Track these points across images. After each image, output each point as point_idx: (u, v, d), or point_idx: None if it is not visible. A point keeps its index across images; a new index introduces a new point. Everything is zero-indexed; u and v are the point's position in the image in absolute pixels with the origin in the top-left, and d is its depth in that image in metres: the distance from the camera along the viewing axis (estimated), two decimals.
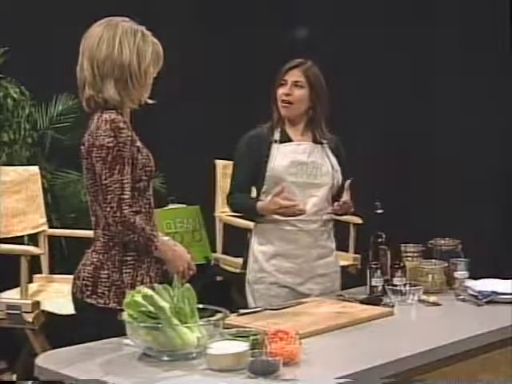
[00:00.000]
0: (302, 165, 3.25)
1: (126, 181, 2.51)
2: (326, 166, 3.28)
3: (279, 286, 3.27)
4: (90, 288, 2.57)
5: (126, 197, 2.51)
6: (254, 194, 3.38)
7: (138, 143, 2.59)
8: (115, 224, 2.51)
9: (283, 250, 3.26)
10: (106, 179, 2.50)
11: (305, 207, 3.14)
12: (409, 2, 5.16)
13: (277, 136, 3.29)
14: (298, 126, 3.32)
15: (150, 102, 2.71)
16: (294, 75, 3.27)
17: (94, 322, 2.54)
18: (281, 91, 3.28)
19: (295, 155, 3.25)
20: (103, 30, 2.58)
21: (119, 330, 2.35)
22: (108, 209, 2.50)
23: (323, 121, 3.32)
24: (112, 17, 2.63)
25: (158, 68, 2.67)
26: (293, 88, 3.26)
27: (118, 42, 2.57)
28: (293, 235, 3.25)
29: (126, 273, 2.57)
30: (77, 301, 2.61)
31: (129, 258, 2.58)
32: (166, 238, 2.77)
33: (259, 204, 3.23)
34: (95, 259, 2.59)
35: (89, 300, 2.56)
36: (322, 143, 3.32)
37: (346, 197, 3.22)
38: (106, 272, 2.57)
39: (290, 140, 3.30)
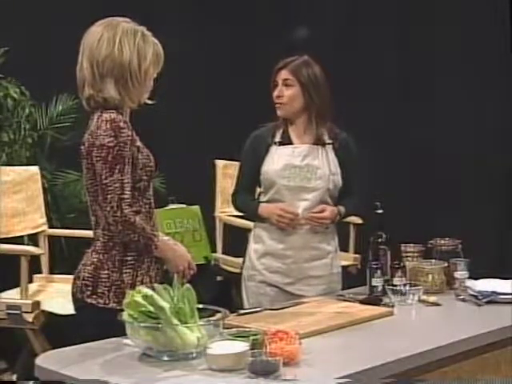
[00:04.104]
0: (295, 168, 3.24)
1: (126, 180, 2.51)
2: (322, 169, 3.26)
3: (268, 284, 3.27)
4: (90, 288, 2.57)
5: (126, 196, 2.50)
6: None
7: (139, 143, 2.59)
8: (115, 223, 2.51)
9: (273, 250, 3.26)
10: (106, 179, 2.50)
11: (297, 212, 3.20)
12: (409, 2, 5.17)
13: (277, 137, 3.29)
14: (298, 126, 3.31)
15: (150, 102, 2.71)
16: (283, 75, 3.26)
17: (93, 322, 2.54)
18: (274, 93, 3.29)
19: (289, 158, 3.24)
20: (103, 30, 2.58)
21: (119, 330, 2.35)
22: (108, 208, 2.50)
23: (324, 119, 3.29)
24: (113, 17, 2.64)
25: (158, 69, 2.66)
26: (283, 88, 3.26)
27: (118, 42, 2.57)
28: (283, 236, 3.25)
29: (125, 273, 2.57)
30: (77, 301, 2.60)
31: (129, 258, 2.58)
32: (166, 237, 2.77)
33: (262, 205, 3.25)
34: (95, 259, 2.59)
35: (89, 300, 2.56)
36: (323, 144, 3.31)
37: (324, 211, 3.23)
38: (106, 272, 2.56)
39: (289, 142, 3.29)
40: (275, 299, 3.17)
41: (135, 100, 2.63)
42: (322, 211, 3.21)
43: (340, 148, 3.32)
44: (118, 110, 2.57)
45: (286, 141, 3.29)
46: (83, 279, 2.58)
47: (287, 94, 3.25)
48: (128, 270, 2.57)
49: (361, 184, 3.38)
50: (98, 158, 2.51)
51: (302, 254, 3.27)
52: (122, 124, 2.53)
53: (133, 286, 2.53)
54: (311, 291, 3.26)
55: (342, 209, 3.29)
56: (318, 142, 3.29)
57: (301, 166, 3.24)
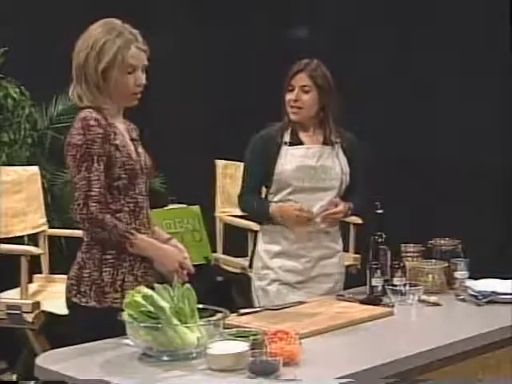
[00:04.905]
0: (310, 169, 3.24)
1: (94, 178, 2.49)
2: (335, 169, 3.27)
3: (281, 283, 3.28)
4: (75, 287, 2.58)
5: (93, 194, 2.49)
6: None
7: (118, 141, 2.56)
8: (82, 221, 2.51)
9: (287, 250, 3.27)
10: (74, 177, 2.51)
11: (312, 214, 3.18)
12: (409, 3, 5.16)
13: (287, 138, 3.28)
14: (308, 127, 3.30)
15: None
16: (301, 80, 3.23)
17: (80, 322, 2.56)
18: (288, 97, 3.26)
19: (304, 159, 3.25)
20: (84, 34, 2.59)
21: (103, 330, 2.39)
22: (75, 206, 2.50)
23: (333, 120, 3.29)
24: (111, 18, 2.63)
25: (122, 72, 2.56)
26: (300, 93, 3.23)
27: (82, 43, 2.57)
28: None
29: (105, 271, 2.56)
30: (66, 300, 2.62)
31: (108, 257, 2.57)
32: (167, 236, 2.76)
33: (274, 206, 3.23)
34: (80, 258, 2.60)
35: (74, 299, 2.57)
36: (333, 144, 3.31)
37: (338, 205, 3.23)
38: (87, 271, 2.57)
39: (300, 142, 3.28)
40: (287, 298, 3.18)
41: (102, 100, 2.58)
42: (335, 206, 3.22)
43: (347, 147, 3.33)
44: (95, 109, 2.55)
45: (296, 141, 3.29)
46: (70, 279, 2.61)
47: (305, 99, 3.23)
48: (107, 269, 2.56)
49: (363, 183, 3.38)
50: (69, 157, 2.53)
51: (315, 253, 3.29)
52: (92, 122, 2.51)
53: (113, 285, 2.54)
54: (320, 289, 3.28)
55: (351, 205, 3.29)
56: (328, 141, 3.30)
57: (315, 167, 3.25)
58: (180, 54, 5.34)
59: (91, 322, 2.49)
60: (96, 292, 2.55)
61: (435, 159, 5.16)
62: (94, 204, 2.49)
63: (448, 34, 5.06)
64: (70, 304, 2.60)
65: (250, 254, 3.52)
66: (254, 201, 3.30)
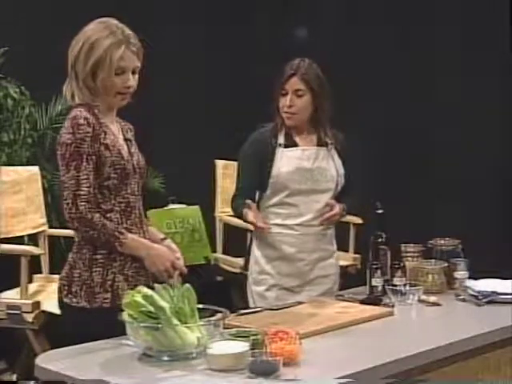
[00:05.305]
0: (306, 171, 3.22)
1: (83, 177, 2.49)
2: (330, 170, 3.26)
3: (280, 288, 3.27)
4: (66, 287, 2.58)
5: (82, 193, 2.49)
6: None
7: (108, 141, 2.55)
8: (71, 220, 2.50)
9: (285, 254, 3.26)
10: (63, 176, 2.51)
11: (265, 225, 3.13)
12: (409, 3, 5.17)
13: (281, 140, 3.25)
14: (302, 128, 3.28)
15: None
16: (294, 84, 3.19)
17: (72, 322, 2.56)
18: (282, 102, 3.22)
19: (300, 161, 3.23)
20: (81, 31, 2.59)
21: (94, 330, 2.40)
22: (65, 205, 2.50)
23: (327, 121, 3.28)
24: (107, 17, 2.62)
25: (108, 74, 2.53)
26: (294, 98, 3.20)
27: (76, 41, 2.58)
28: (294, 239, 3.25)
29: (95, 271, 2.55)
30: (58, 301, 2.62)
31: (98, 257, 2.56)
32: (161, 236, 2.75)
33: (244, 211, 3.18)
34: (71, 259, 2.60)
35: (65, 299, 2.57)
36: (327, 145, 3.30)
37: (334, 207, 3.21)
38: (77, 271, 2.56)
39: (294, 144, 3.26)
40: (286, 302, 3.14)
41: (91, 98, 2.57)
42: (331, 208, 3.21)
43: (341, 149, 3.32)
44: (87, 107, 2.55)
45: (291, 143, 3.27)
46: (61, 279, 2.60)
47: (299, 103, 3.20)
48: (98, 269, 2.55)
49: (356, 183, 3.38)
50: (59, 156, 2.53)
51: (313, 256, 3.28)
52: (81, 121, 2.50)
53: (103, 285, 2.54)
54: (318, 291, 3.27)
55: (345, 206, 3.28)
56: (323, 143, 3.29)
57: (312, 169, 3.23)
58: (180, 53, 5.35)
59: (82, 323, 2.49)
60: (86, 292, 2.54)
61: (435, 159, 5.16)
62: (83, 203, 2.49)
63: (448, 33, 5.07)
64: (61, 304, 2.60)
65: (245, 256, 3.43)
66: (243, 204, 3.21)
